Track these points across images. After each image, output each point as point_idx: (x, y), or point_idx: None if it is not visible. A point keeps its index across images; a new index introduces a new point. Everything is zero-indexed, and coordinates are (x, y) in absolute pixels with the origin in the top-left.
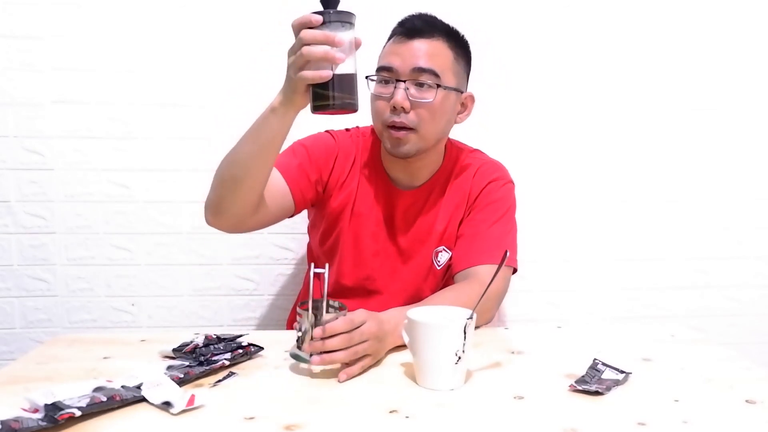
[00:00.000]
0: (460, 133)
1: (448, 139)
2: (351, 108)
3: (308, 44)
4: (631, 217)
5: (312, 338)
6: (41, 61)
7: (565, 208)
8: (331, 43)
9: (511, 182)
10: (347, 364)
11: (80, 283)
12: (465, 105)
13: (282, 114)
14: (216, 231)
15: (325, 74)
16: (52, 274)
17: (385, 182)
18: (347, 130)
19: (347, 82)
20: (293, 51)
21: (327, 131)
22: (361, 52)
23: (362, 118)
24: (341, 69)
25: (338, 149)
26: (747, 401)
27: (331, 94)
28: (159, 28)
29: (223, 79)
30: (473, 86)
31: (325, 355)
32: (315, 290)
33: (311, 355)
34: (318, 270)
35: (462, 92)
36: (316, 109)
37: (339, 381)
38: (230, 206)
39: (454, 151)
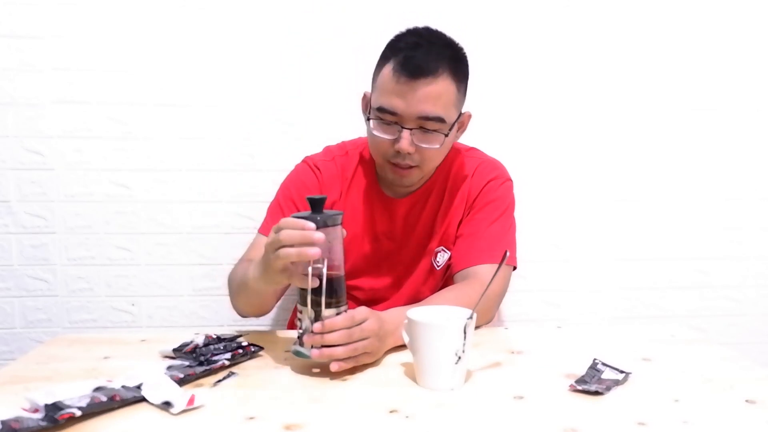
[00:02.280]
0: None
1: None
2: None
3: (286, 245)
4: (630, 217)
5: (312, 332)
6: (41, 61)
7: (565, 208)
8: (309, 242)
9: (510, 180)
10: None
11: (80, 283)
12: (462, 123)
13: (266, 286)
14: (216, 231)
15: (313, 283)
16: (52, 274)
17: (380, 195)
18: (330, 151)
19: (337, 284)
20: (273, 248)
21: (308, 163)
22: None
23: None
24: (329, 271)
25: (321, 183)
26: (747, 401)
27: (315, 299)
28: (159, 28)
29: (223, 79)
30: (471, 84)
31: (324, 350)
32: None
33: (312, 348)
34: (317, 266)
35: (461, 114)
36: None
37: (331, 370)
38: (251, 315)
39: (450, 152)
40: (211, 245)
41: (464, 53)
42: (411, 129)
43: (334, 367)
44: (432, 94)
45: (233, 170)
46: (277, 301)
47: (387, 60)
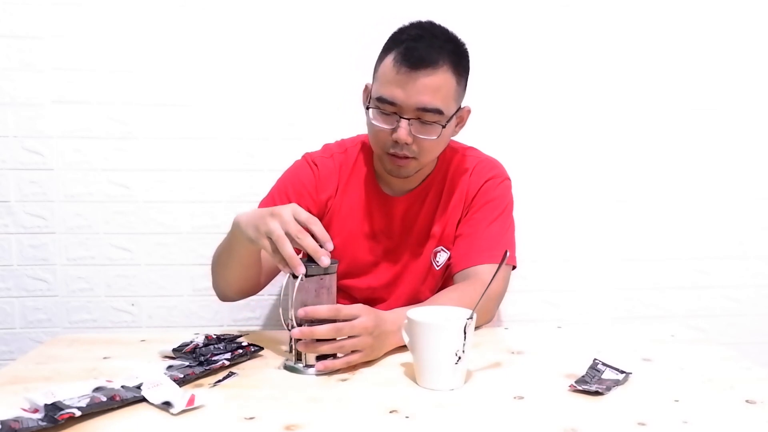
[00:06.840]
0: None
1: None
2: None
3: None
4: (630, 217)
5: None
6: (41, 61)
7: (565, 208)
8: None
9: (508, 179)
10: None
11: (80, 283)
12: (461, 118)
13: (239, 246)
14: (216, 231)
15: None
16: (52, 274)
17: (379, 193)
18: (329, 149)
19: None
20: (281, 219)
21: (306, 160)
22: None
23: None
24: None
25: (317, 179)
26: (747, 401)
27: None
28: (159, 28)
29: (223, 79)
30: (472, 83)
31: (309, 342)
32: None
33: (300, 360)
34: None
35: (461, 108)
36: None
37: (316, 369)
38: (234, 294)
39: (448, 151)
40: (211, 245)
41: (466, 49)
42: (409, 119)
43: (319, 366)
44: (432, 85)
45: (233, 170)
46: (260, 281)
47: (389, 51)
